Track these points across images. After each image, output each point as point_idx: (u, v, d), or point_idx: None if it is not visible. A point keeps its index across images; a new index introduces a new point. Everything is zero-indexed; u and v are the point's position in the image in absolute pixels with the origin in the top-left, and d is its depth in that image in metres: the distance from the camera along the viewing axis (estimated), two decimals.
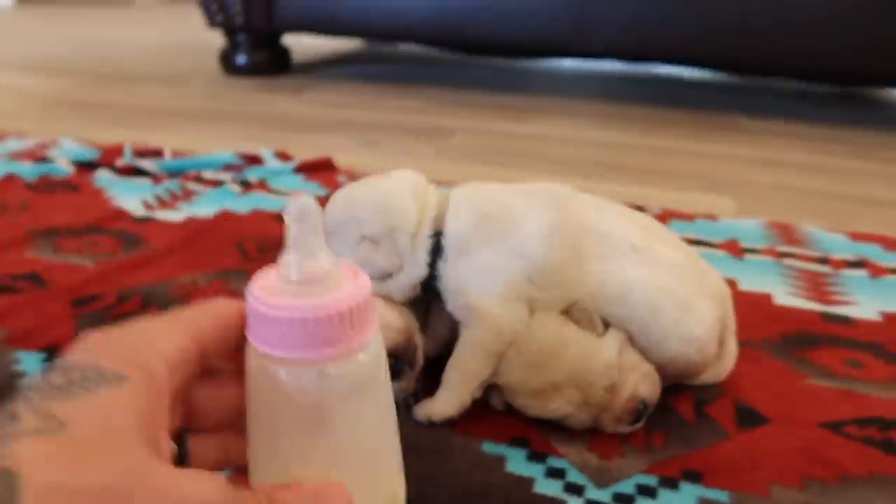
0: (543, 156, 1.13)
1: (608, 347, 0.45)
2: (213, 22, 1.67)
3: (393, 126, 1.29)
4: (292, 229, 0.27)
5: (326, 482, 0.28)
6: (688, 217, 0.86)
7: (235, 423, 0.31)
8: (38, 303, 0.59)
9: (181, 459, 0.29)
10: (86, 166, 0.94)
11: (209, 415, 0.30)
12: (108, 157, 0.97)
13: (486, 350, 0.45)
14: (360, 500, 0.30)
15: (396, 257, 0.47)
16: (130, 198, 0.84)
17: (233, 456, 0.31)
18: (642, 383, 0.45)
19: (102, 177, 0.91)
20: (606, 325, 0.46)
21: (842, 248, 0.78)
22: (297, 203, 0.27)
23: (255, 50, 1.71)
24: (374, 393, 0.30)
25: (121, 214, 0.79)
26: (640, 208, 0.89)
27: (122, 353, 0.25)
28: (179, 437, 0.30)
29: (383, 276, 0.48)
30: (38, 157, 0.97)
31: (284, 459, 0.29)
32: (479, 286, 0.46)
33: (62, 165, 0.93)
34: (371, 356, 0.29)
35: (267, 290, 0.28)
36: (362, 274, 0.29)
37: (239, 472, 0.31)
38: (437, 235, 0.48)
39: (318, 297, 0.27)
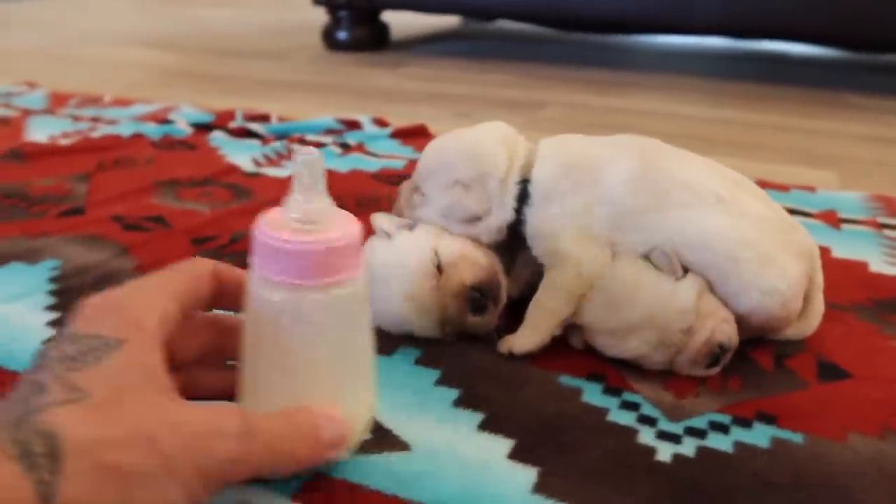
0: (635, 129, 1.12)
1: (685, 292, 0.46)
2: None
3: (484, 99, 1.31)
4: (301, 176, 0.33)
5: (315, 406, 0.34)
6: (783, 188, 0.84)
7: (205, 358, 0.37)
8: (163, 240, 0.66)
9: None
10: (202, 128, 1.02)
11: (185, 354, 0.36)
12: (221, 120, 1.04)
13: (567, 291, 0.48)
14: (340, 401, 0.35)
15: (486, 201, 0.50)
16: (242, 156, 0.91)
17: (207, 386, 0.37)
18: (719, 328, 0.46)
19: (217, 137, 0.98)
20: (686, 270, 0.47)
21: None
22: (307, 155, 0.33)
23: (356, 26, 1.78)
24: (350, 321, 0.35)
25: (233, 169, 0.86)
26: None
27: (118, 319, 0.30)
28: None
29: (472, 220, 0.51)
30: (161, 119, 1.06)
31: (270, 371, 0.34)
32: (563, 231, 0.48)
33: (182, 127, 1.01)
34: (349, 291, 0.34)
35: (272, 224, 0.33)
36: (356, 222, 0.34)
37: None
38: (525, 182, 0.50)
39: (311, 236, 0.32)
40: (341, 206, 0.75)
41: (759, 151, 1.02)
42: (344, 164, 0.89)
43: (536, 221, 0.49)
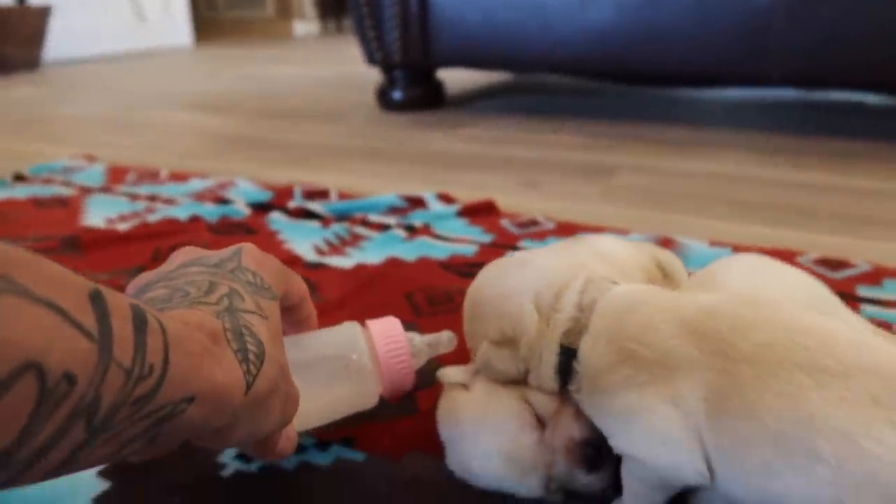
0: (718, 198, 1.05)
1: None
2: (371, 59, 1.72)
3: (552, 164, 1.25)
4: (429, 346, 0.48)
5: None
6: None
7: None
8: None
9: None
10: (260, 208, 0.98)
11: None
12: (280, 199, 1.00)
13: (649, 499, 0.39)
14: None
15: (521, 364, 0.42)
16: (303, 242, 0.86)
17: None
18: None
19: (276, 219, 0.94)
20: None
21: None
22: (444, 341, 0.48)
23: (411, 85, 1.74)
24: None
25: (295, 260, 0.80)
26: (841, 263, 0.78)
27: (272, 278, 0.40)
28: None
29: (512, 381, 0.44)
30: (219, 198, 1.02)
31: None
32: (628, 429, 0.38)
33: (240, 207, 0.97)
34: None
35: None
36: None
37: None
38: (569, 353, 0.41)
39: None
40: (413, 303, 0.69)
41: (864, 225, 0.92)
42: (411, 251, 0.83)
43: (591, 410, 0.40)
